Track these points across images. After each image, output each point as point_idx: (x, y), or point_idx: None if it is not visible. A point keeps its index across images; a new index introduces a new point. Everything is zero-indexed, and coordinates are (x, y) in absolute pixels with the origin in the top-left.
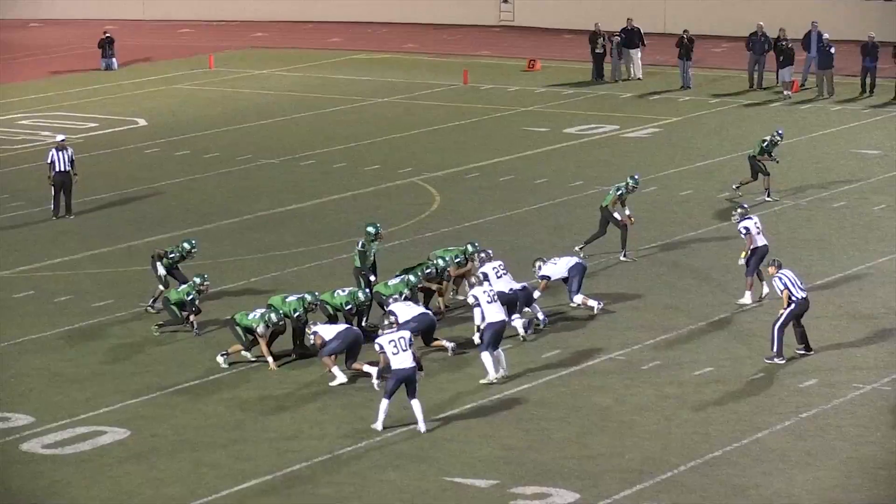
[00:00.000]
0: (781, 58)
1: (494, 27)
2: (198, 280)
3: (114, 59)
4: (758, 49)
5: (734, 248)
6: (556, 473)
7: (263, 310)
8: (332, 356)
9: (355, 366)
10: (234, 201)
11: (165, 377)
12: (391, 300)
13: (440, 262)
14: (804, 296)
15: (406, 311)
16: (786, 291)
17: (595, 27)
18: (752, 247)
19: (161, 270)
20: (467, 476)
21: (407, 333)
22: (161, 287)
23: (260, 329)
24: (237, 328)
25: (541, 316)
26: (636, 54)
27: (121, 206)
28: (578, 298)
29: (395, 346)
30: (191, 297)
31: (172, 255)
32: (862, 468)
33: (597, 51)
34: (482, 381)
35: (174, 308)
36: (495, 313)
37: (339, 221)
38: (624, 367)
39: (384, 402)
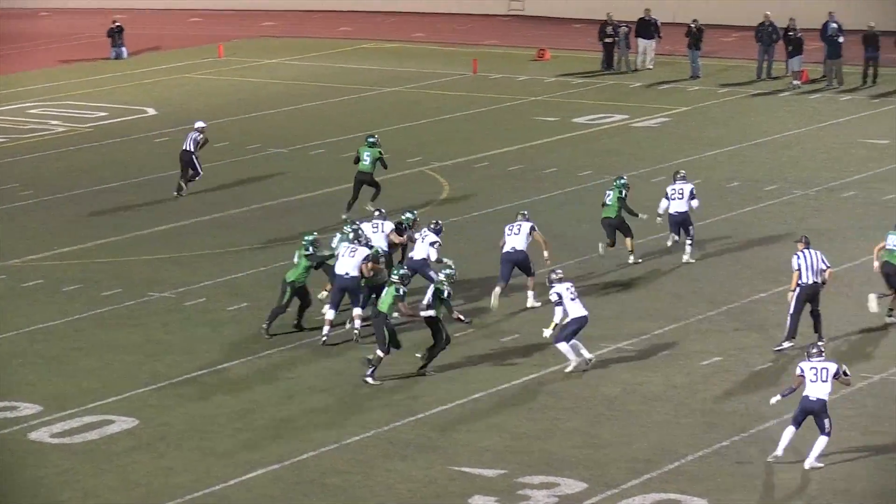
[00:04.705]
0: (791, 47)
1: (504, 16)
2: (308, 238)
3: (123, 48)
4: (766, 40)
5: (743, 237)
6: (564, 463)
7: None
8: None
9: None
10: (243, 190)
11: (174, 366)
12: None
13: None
14: (810, 282)
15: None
16: (796, 273)
17: (607, 17)
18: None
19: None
20: (475, 465)
21: (831, 365)
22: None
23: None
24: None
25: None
26: (650, 45)
27: (130, 195)
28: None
29: (816, 374)
30: (308, 250)
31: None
32: (870, 458)
33: (606, 40)
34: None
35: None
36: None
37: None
38: (632, 356)
39: (790, 430)
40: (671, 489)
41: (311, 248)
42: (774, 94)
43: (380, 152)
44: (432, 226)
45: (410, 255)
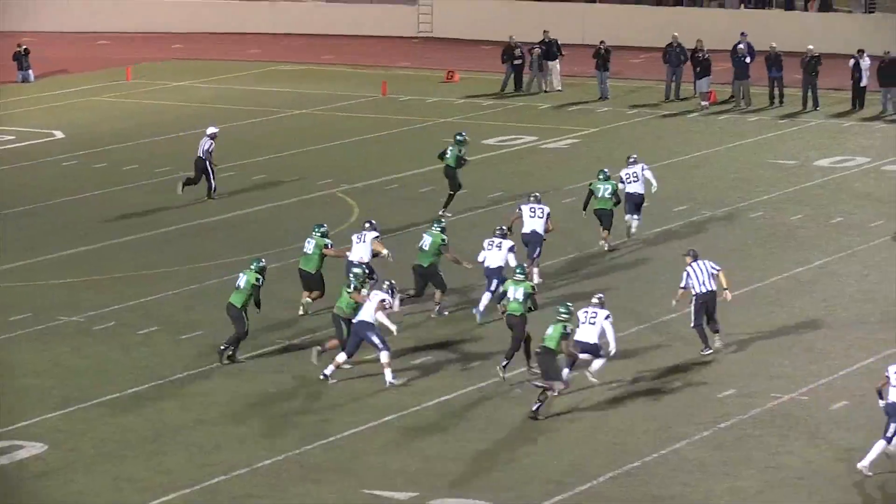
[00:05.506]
0: (698, 69)
1: (413, 38)
2: (258, 264)
3: (30, 72)
4: (673, 61)
5: (652, 258)
6: (475, 484)
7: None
8: None
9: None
10: (154, 213)
11: (84, 390)
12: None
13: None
14: (705, 290)
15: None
16: (682, 291)
17: (509, 39)
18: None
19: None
20: (386, 488)
21: None
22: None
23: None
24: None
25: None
26: (555, 66)
27: (39, 219)
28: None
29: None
30: (259, 281)
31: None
32: (780, 478)
33: (515, 62)
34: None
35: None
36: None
37: (260, 232)
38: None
39: (880, 443)
40: None
41: (261, 278)
42: (683, 115)
43: (460, 150)
44: (500, 231)
45: (486, 264)
